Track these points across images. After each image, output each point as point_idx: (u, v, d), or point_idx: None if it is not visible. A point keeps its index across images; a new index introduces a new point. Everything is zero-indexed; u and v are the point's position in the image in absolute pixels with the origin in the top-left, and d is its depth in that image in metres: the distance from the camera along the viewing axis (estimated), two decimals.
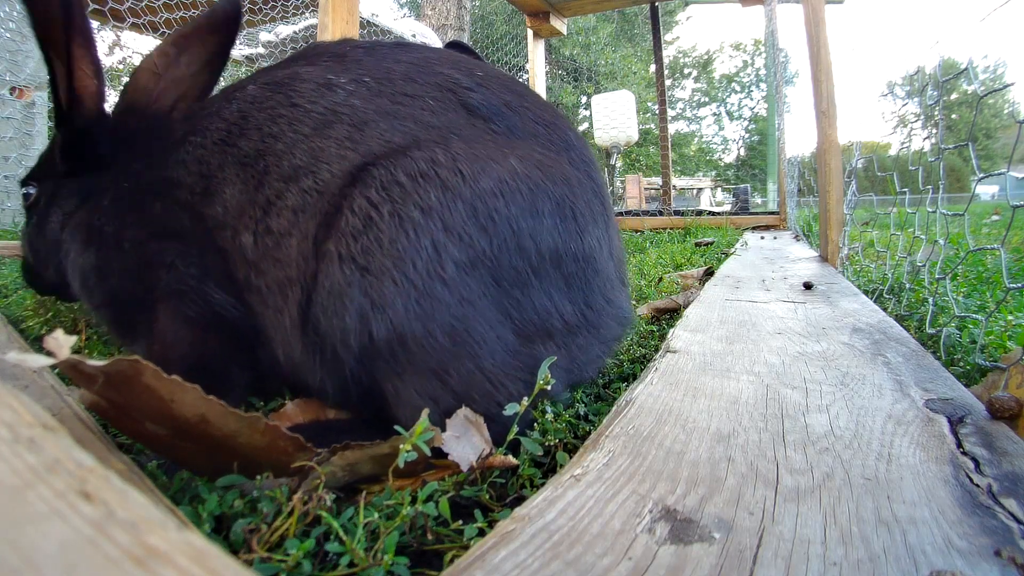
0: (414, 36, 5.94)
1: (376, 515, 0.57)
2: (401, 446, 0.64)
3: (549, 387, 0.75)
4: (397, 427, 0.67)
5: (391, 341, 0.76)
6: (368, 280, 0.76)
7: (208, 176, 0.93)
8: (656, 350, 1.20)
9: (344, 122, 0.89)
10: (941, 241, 1.40)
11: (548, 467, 0.75)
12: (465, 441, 0.71)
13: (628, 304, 1.04)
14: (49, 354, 0.47)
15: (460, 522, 0.61)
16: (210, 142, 0.94)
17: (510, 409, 0.74)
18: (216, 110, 0.98)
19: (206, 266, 0.91)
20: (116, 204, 0.97)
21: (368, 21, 5.53)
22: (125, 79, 1.10)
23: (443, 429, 0.71)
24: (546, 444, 0.77)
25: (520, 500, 0.63)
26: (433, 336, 0.75)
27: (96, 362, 0.54)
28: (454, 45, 1.69)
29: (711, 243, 3.65)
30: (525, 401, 0.75)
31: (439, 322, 0.75)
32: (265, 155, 0.90)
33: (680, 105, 32.13)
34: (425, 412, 0.66)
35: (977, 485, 0.59)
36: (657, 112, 7.15)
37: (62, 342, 0.47)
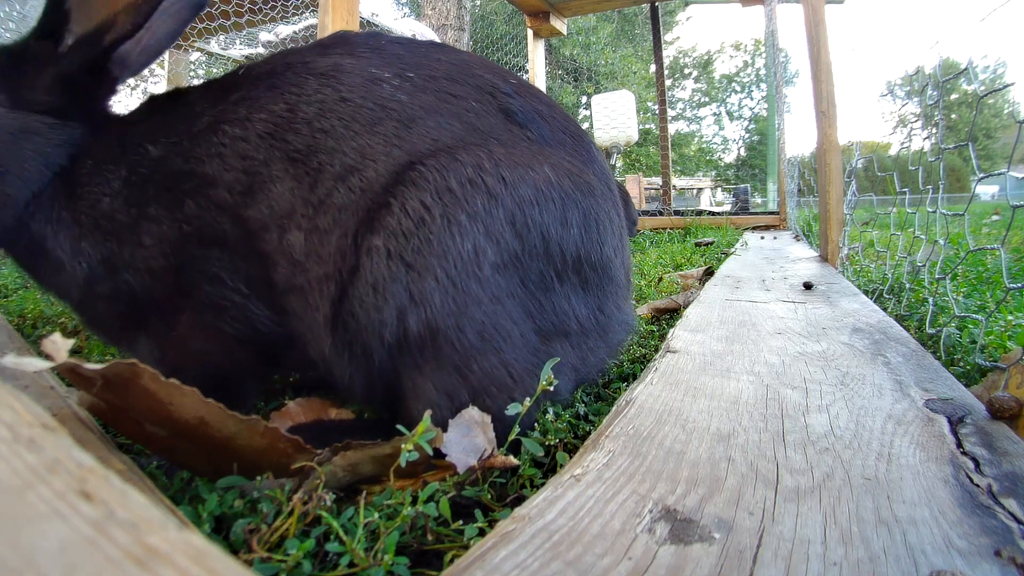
0: (414, 36, 5.93)
1: (376, 515, 0.57)
2: (403, 446, 0.64)
3: (552, 387, 0.77)
4: (399, 426, 0.67)
5: (422, 334, 0.78)
6: (411, 276, 0.79)
7: (253, 172, 0.87)
8: (656, 350, 1.20)
9: (392, 118, 0.88)
10: (941, 241, 1.39)
11: (548, 467, 0.75)
12: (465, 442, 0.71)
13: (633, 312, 1.07)
14: (47, 357, 0.47)
15: (460, 522, 0.61)
16: (254, 135, 0.88)
17: (511, 409, 0.74)
18: (252, 96, 0.91)
19: (251, 279, 0.88)
20: (133, 191, 0.89)
21: (368, 21, 5.52)
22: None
23: None
24: (546, 444, 0.77)
25: (520, 500, 0.63)
26: (462, 331, 0.78)
27: (94, 365, 0.54)
28: None
29: (711, 243, 3.66)
30: (528, 401, 0.76)
31: (470, 317, 0.78)
32: (318, 152, 0.87)
33: (680, 105, 32.14)
34: (428, 413, 0.66)
35: (977, 485, 0.59)
36: (657, 112, 7.15)
37: (60, 345, 0.47)
